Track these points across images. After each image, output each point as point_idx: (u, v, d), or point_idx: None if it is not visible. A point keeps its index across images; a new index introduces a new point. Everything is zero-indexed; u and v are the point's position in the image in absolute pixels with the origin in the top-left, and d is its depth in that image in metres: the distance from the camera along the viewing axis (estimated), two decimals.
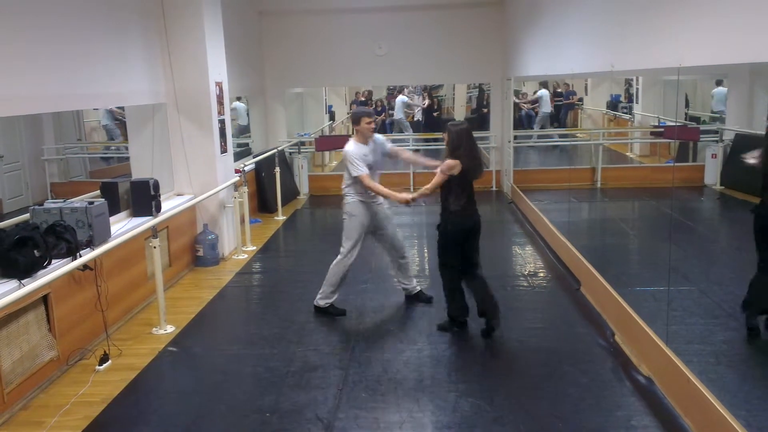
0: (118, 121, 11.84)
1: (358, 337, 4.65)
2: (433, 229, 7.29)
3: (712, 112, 12.14)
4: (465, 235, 4.58)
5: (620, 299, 4.52)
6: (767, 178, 4.18)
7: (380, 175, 5.14)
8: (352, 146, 4.91)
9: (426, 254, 6.83)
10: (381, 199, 5.08)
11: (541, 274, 6.01)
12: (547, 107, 15.22)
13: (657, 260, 6.30)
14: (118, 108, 10.54)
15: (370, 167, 4.91)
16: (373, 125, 4.98)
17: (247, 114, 11.49)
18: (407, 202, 4.78)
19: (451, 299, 4.72)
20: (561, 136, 14.76)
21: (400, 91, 17.73)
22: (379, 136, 5.11)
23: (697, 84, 13.20)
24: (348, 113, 18.30)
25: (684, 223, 7.72)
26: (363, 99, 18.47)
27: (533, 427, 3.37)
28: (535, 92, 16.18)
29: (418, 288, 5.40)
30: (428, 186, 4.60)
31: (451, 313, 4.74)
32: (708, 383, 3.30)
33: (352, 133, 5.12)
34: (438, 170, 4.50)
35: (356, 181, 4.91)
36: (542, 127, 15.03)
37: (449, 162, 4.44)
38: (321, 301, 5.13)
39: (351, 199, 5.00)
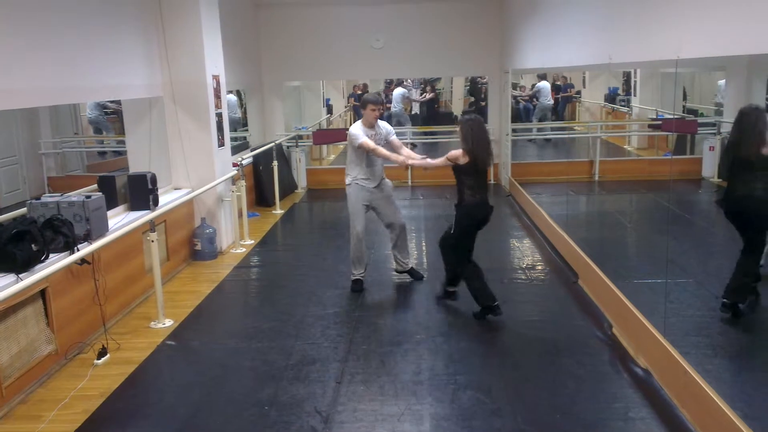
0: (108, 113, 11.72)
1: (355, 330, 4.65)
2: (431, 222, 7.30)
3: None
4: (477, 224, 4.79)
5: (618, 291, 4.53)
6: (735, 164, 4.33)
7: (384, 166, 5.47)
8: (355, 127, 5.29)
9: (424, 247, 6.84)
10: (380, 182, 5.39)
11: (539, 267, 6.02)
12: (547, 99, 15.11)
13: (654, 253, 6.30)
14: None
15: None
16: (377, 113, 5.26)
17: (243, 107, 11.43)
18: (406, 166, 5.12)
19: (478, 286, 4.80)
20: (558, 129, 14.72)
21: (399, 83, 17.67)
22: (385, 124, 5.46)
23: (695, 76, 13.18)
24: (346, 106, 18.28)
25: (681, 216, 7.72)
26: (359, 92, 18.42)
27: (531, 419, 3.38)
28: (533, 85, 16.10)
29: (411, 265, 5.68)
30: (432, 162, 4.98)
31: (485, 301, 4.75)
32: (705, 375, 3.31)
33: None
34: (445, 157, 4.77)
35: (352, 161, 5.28)
36: (540, 119, 14.98)
37: (454, 152, 4.65)
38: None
39: (347, 181, 5.36)
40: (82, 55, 5.02)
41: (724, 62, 9.61)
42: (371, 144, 5.14)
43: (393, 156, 5.21)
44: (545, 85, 15.17)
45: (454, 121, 17.98)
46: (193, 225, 6.57)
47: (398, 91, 15.87)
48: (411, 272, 5.64)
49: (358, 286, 5.42)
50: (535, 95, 15.26)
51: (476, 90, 17.48)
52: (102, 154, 11.96)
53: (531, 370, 3.98)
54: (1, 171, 9.21)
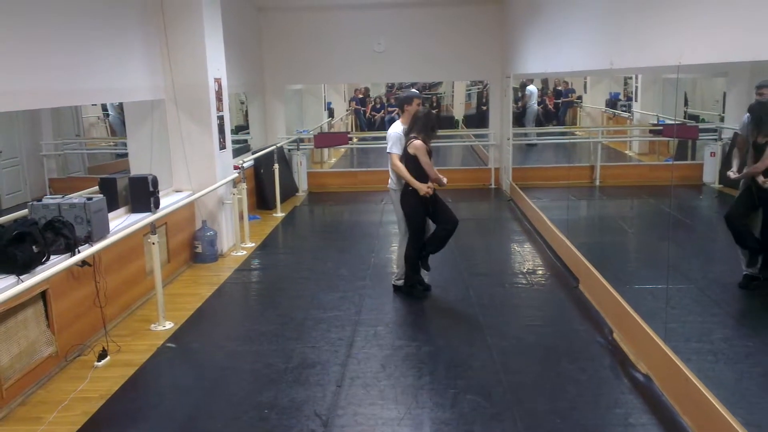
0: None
1: (356, 333, 4.65)
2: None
3: None
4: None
5: (619, 297, 4.52)
6: None
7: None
8: (395, 128, 5.22)
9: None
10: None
11: (540, 272, 6.02)
12: (533, 102, 14.96)
13: (655, 258, 6.30)
14: None
15: None
16: (422, 107, 5.23)
17: (244, 111, 11.44)
18: (426, 193, 5.03)
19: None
20: (559, 133, 14.65)
21: (399, 88, 17.71)
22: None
23: (696, 82, 13.19)
24: (347, 110, 18.29)
25: (682, 221, 7.72)
26: (361, 96, 18.45)
27: (531, 424, 3.38)
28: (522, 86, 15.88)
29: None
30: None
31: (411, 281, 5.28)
32: (706, 381, 3.30)
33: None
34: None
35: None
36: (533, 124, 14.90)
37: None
38: (394, 281, 5.50)
39: (391, 186, 5.27)
40: (85, 58, 5.03)
41: (727, 68, 9.61)
42: (397, 160, 5.04)
43: (407, 177, 5.02)
44: (532, 89, 15.05)
45: (455, 125, 18.03)
46: (194, 227, 6.57)
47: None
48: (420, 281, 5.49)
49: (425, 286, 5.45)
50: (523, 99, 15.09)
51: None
52: (121, 155, 11.91)
53: (531, 375, 3.98)
54: (3, 172, 9.23)
